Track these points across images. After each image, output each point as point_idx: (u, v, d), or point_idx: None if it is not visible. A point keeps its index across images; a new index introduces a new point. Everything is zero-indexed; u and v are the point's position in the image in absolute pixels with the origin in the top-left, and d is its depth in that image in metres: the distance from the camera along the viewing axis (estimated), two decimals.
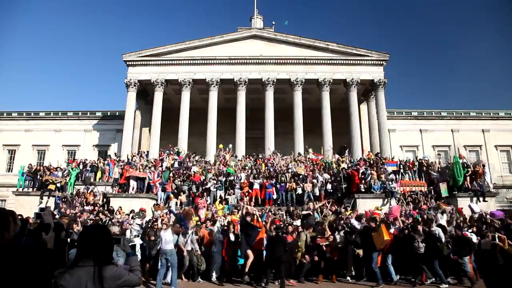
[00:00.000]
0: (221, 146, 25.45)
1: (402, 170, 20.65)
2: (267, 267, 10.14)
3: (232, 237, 10.70)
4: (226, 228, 11.34)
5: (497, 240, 5.75)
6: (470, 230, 11.94)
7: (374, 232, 10.19)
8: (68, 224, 10.96)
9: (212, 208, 16.55)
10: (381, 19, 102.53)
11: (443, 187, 18.66)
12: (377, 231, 10.18)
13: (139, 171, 19.70)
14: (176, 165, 22.03)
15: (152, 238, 10.97)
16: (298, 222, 13.42)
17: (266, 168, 21.10)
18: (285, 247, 10.00)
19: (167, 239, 9.51)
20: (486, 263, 10.18)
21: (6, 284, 2.65)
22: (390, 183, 18.39)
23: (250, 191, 18.63)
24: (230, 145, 25.74)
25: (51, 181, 19.92)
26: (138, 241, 11.24)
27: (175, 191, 19.21)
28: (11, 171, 32.74)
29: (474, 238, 11.06)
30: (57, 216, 13.48)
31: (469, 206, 16.38)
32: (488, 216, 13.72)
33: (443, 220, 13.15)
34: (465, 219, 14.16)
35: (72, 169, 21.46)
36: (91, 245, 2.58)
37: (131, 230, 11.87)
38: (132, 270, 2.84)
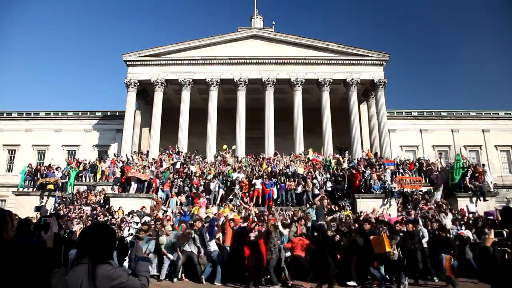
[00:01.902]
0: (225, 146, 25.40)
1: (401, 170, 20.66)
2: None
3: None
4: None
5: (505, 234, 5.64)
6: (464, 228, 12.08)
7: (374, 235, 10.01)
8: (66, 224, 10.99)
9: (213, 208, 16.53)
10: (381, 19, 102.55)
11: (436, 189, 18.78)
12: (377, 235, 10.04)
13: (140, 172, 19.70)
14: (177, 165, 22.05)
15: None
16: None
17: (267, 167, 21.11)
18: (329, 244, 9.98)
19: (210, 240, 10.64)
20: (483, 260, 10.20)
21: (5, 283, 2.65)
22: (390, 183, 18.41)
23: (250, 190, 18.64)
24: (234, 146, 25.73)
25: (45, 182, 19.93)
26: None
27: (176, 191, 19.22)
28: (11, 171, 32.75)
29: (469, 235, 11.20)
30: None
31: (466, 206, 16.53)
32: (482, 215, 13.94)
33: (447, 220, 13.22)
34: (463, 218, 14.31)
35: (71, 169, 21.48)
36: (88, 243, 2.58)
37: (129, 228, 11.93)
38: (138, 275, 2.78)
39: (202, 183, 19.49)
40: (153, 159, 23.54)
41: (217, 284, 10.43)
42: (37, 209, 14.63)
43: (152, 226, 11.86)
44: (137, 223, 12.73)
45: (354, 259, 10.28)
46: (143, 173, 19.74)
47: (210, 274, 10.71)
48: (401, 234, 10.54)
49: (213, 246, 10.72)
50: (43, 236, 4.04)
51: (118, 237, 10.93)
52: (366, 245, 10.01)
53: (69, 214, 15.78)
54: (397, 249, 9.74)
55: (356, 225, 11.62)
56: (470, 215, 14.89)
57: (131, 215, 15.42)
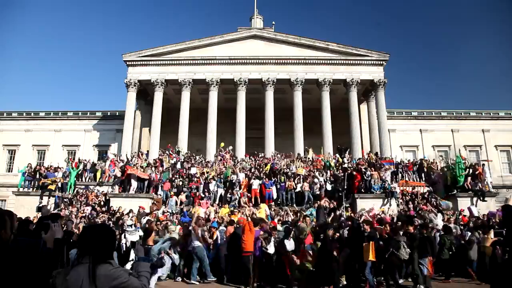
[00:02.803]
0: (222, 144, 25.42)
1: (400, 170, 20.65)
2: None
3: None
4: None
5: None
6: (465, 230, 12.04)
7: (367, 243, 9.59)
8: (66, 224, 10.99)
9: (212, 209, 16.51)
10: (381, 19, 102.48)
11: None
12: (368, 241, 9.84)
13: (141, 171, 19.71)
14: (178, 165, 22.05)
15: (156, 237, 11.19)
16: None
17: (268, 167, 21.11)
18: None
19: (195, 238, 10.79)
20: (483, 260, 10.16)
21: (5, 283, 2.65)
22: (390, 183, 18.40)
23: (249, 193, 18.63)
24: (231, 147, 25.75)
25: (49, 181, 19.94)
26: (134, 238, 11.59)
27: (176, 190, 19.21)
28: (11, 171, 32.72)
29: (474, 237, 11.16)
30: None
31: (469, 209, 16.30)
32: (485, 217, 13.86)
33: (438, 219, 13.16)
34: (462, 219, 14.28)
35: (72, 169, 21.47)
36: (88, 243, 2.58)
37: (125, 235, 11.99)
38: (138, 275, 2.76)
39: (202, 183, 19.48)
40: (154, 159, 23.55)
41: (214, 283, 10.43)
42: (39, 209, 14.59)
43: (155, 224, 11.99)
44: (130, 225, 12.73)
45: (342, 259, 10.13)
46: (143, 171, 19.76)
47: (198, 273, 10.66)
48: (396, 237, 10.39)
49: (196, 242, 10.70)
50: (43, 236, 4.05)
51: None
52: (359, 248, 9.71)
53: (70, 214, 15.77)
54: (406, 249, 9.51)
55: (349, 222, 11.48)
56: (473, 219, 14.69)
57: (130, 215, 15.40)
